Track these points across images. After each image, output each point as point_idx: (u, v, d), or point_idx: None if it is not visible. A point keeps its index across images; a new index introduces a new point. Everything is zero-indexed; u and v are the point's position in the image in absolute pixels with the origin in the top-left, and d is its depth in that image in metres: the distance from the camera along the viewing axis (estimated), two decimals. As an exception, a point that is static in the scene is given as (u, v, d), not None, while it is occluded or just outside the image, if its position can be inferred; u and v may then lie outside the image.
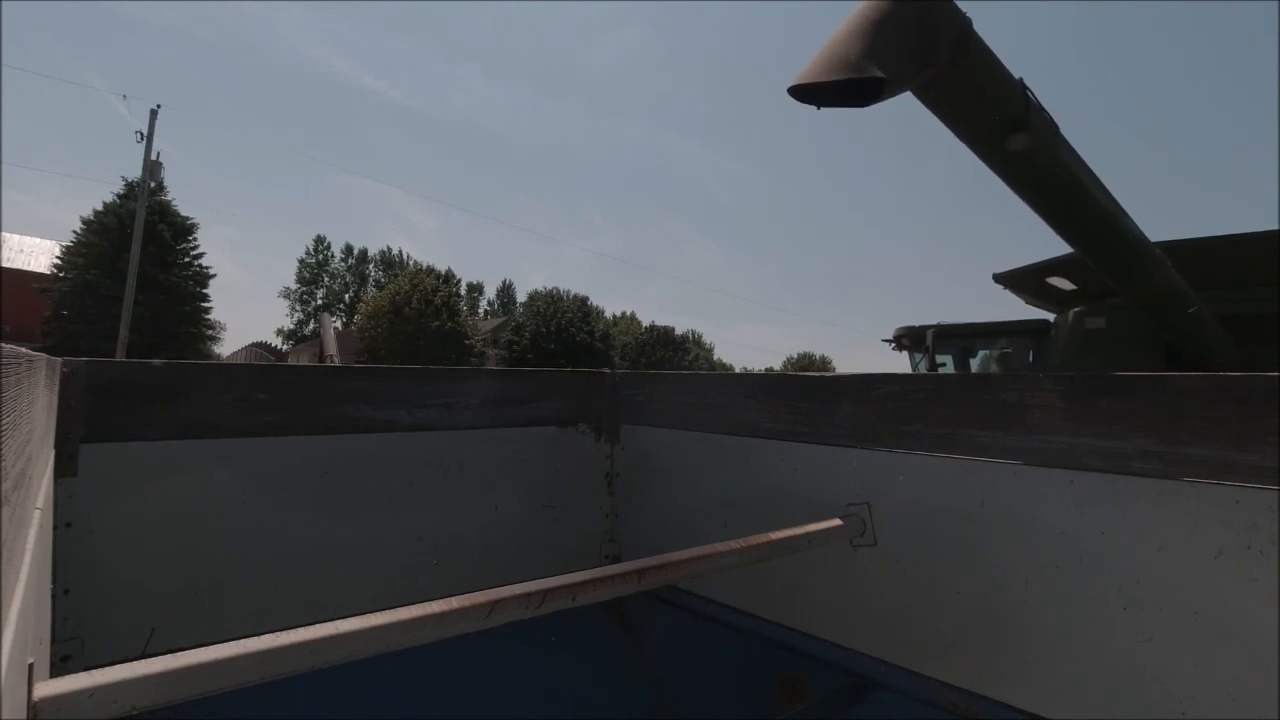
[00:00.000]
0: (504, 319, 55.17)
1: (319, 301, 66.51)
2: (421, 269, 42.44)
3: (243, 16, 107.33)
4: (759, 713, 2.33)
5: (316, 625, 1.13)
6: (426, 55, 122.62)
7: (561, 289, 44.00)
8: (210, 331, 33.26)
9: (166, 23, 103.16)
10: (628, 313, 66.77)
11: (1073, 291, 5.65)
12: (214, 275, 32.29)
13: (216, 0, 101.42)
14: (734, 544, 1.73)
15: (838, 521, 1.99)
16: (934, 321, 7.11)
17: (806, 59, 2.01)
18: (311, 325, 62.11)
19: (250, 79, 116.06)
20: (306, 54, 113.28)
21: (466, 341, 38.58)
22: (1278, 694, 1.36)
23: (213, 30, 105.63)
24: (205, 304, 32.07)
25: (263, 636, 1.08)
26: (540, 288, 46.69)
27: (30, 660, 0.86)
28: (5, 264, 33.24)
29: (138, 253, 21.00)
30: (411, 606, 1.25)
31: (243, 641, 1.06)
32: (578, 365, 26.83)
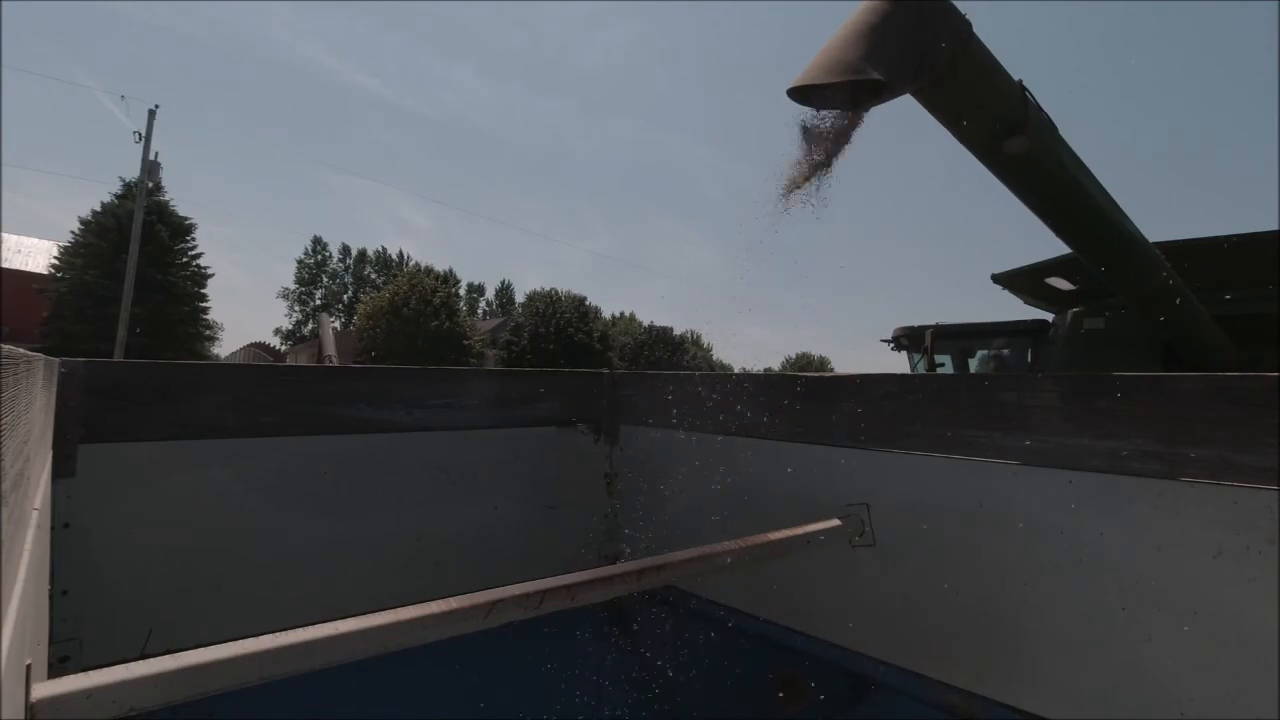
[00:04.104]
0: (503, 319, 55.14)
1: (317, 302, 66.47)
2: (420, 269, 42.44)
3: (237, 15, 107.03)
4: (759, 713, 2.33)
5: (316, 625, 1.13)
6: (420, 54, 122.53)
7: (559, 289, 44.06)
8: (208, 332, 33.20)
9: (161, 21, 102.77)
10: (626, 313, 66.84)
11: (1071, 292, 5.65)
12: (212, 275, 32.28)
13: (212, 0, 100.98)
14: (733, 544, 1.73)
15: (837, 521, 1.99)
16: (933, 322, 7.11)
17: (804, 57, 2.01)
18: (310, 325, 62.04)
19: (245, 79, 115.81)
20: (301, 53, 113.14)
21: (465, 342, 38.56)
22: (1278, 694, 1.37)
23: (204, 28, 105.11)
24: (203, 304, 32.04)
25: (262, 637, 1.08)
26: (539, 288, 46.73)
27: (28, 661, 0.85)
28: (4, 264, 33.19)
29: (136, 253, 20.97)
30: (411, 606, 1.25)
31: (241, 642, 1.05)
32: (576, 366, 26.80)
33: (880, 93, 1.92)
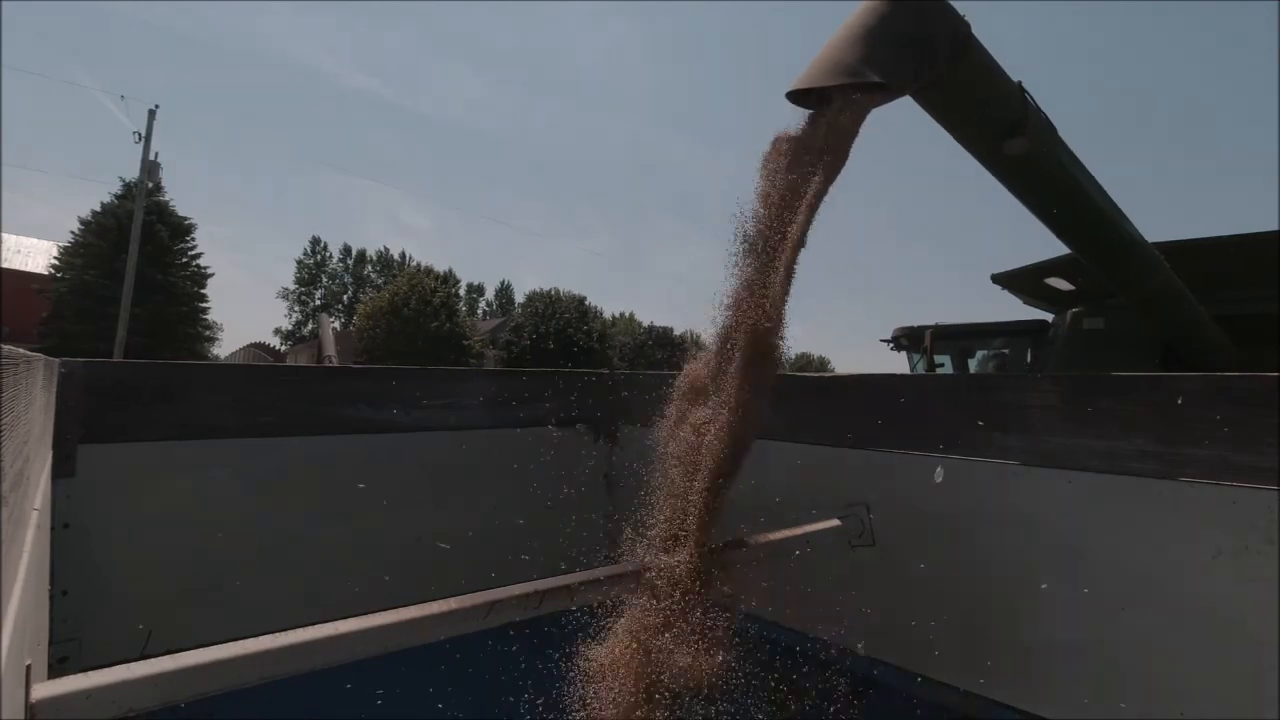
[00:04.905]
0: (503, 319, 55.12)
1: (317, 302, 66.49)
2: (420, 269, 42.45)
3: (238, 15, 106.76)
4: (759, 713, 2.32)
5: (316, 625, 1.13)
6: (420, 54, 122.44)
7: (559, 289, 44.04)
8: (208, 332, 33.16)
9: (161, 21, 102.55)
10: (626, 313, 66.86)
11: (1071, 292, 5.66)
12: (212, 275, 32.26)
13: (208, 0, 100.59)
14: (733, 544, 1.73)
15: (837, 522, 1.99)
16: (933, 322, 7.12)
17: (803, 54, 2.01)
18: (310, 326, 62.03)
19: (245, 79, 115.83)
20: (301, 54, 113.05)
21: (465, 342, 38.55)
22: (1278, 694, 1.37)
23: (204, 29, 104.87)
24: (203, 304, 32.02)
25: (262, 637, 1.08)
26: (538, 288, 46.72)
27: (28, 661, 0.86)
28: (4, 264, 33.19)
29: (136, 253, 20.94)
30: (411, 606, 1.25)
31: (241, 642, 1.06)
32: (576, 366, 26.74)
33: (880, 95, 1.92)
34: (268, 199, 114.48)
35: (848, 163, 1.78)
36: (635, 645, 1.54)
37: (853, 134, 1.81)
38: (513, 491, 2.72)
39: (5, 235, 36.96)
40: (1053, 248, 4.05)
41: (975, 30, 2.10)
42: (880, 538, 2.02)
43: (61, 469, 1.89)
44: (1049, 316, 6.46)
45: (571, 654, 1.72)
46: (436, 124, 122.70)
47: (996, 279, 6.22)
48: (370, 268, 68.64)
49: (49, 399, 1.80)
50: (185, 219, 31.32)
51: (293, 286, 66.76)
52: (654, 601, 1.58)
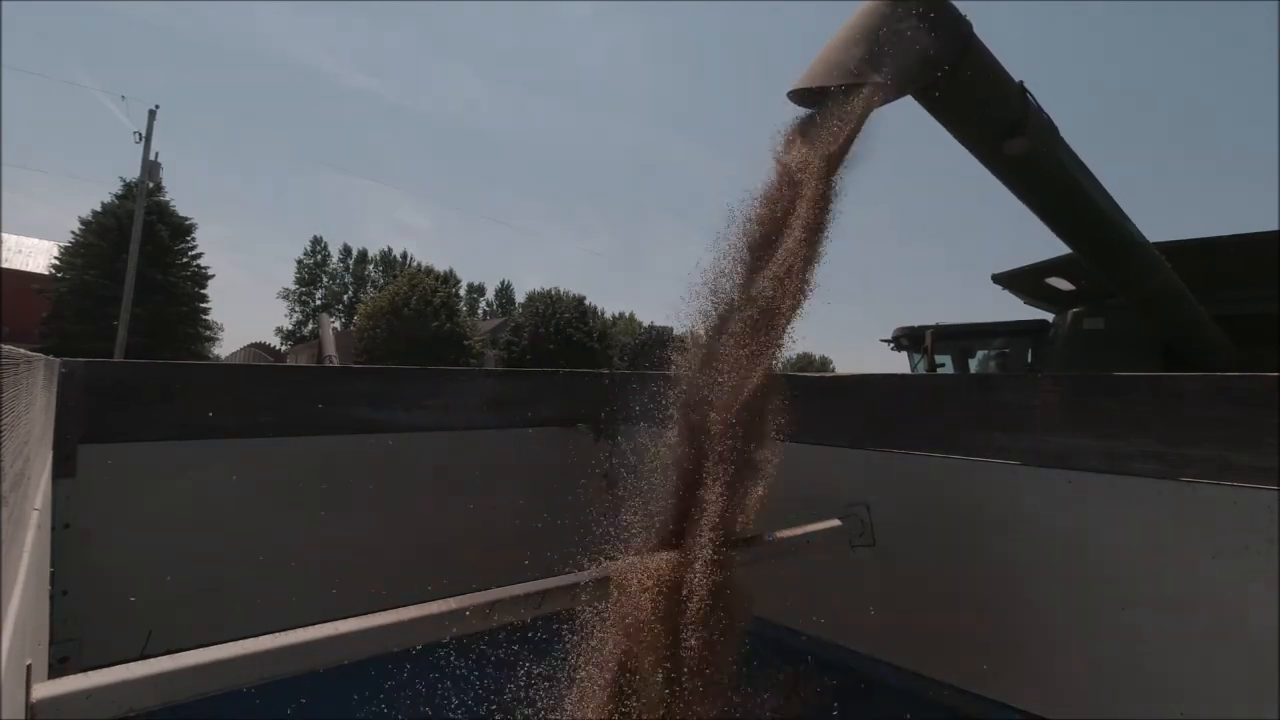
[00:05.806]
0: (503, 319, 55.11)
1: (318, 302, 66.53)
2: (421, 269, 42.46)
3: (238, 15, 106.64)
4: (759, 713, 2.32)
5: (316, 625, 1.13)
6: (420, 54, 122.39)
7: (559, 289, 44.03)
8: (209, 332, 33.16)
9: (161, 21, 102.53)
10: (626, 313, 66.87)
11: (1071, 292, 5.65)
12: (212, 275, 32.24)
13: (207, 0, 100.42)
14: (733, 544, 1.73)
15: (837, 522, 1.99)
16: (933, 322, 7.12)
17: (803, 54, 2.01)
18: (310, 326, 62.06)
19: (245, 79, 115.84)
20: (302, 54, 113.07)
21: (465, 342, 38.58)
22: (1278, 694, 1.37)
23: (204, 29, 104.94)
24: (204, 304, 32.02)
25: (262, 637, 1.08)
26: (538, 288, 46.71)
27: (28, 661, 0.86)
28: (4, 264, 33.20)
29: (136, 253, 20.93)
30: (411, 606, 1.25)
31: (241, 642, 1.06)
32: (576, 366, 26.72)
33: (880, 94, 1.92)
34: (268, 199, 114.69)
35: (853, 159, 1.78)
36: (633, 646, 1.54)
37: (854, 134, 1.82)
38: (513, 491, 2.72)
39: (5, 235, 36.95)
40: (1053, 248, 4.06)
41: (976, 30, 2.10)
42: (880, 538, 2.02)
43: (62, 469, 1.89)
44: (1049, 316, 6.46)
45: (571, 655, 1.72)
46: (436, 124, 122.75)
47: (997, 279, 6.22)
48: (372, 268, 68.67)
49: (49, 399, 1.80)
50: (185, 219, 31.34)
51: (293, 286, 66.83)
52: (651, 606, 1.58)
